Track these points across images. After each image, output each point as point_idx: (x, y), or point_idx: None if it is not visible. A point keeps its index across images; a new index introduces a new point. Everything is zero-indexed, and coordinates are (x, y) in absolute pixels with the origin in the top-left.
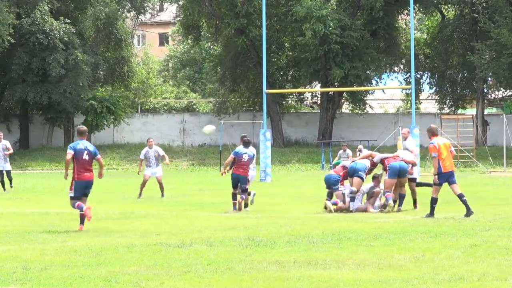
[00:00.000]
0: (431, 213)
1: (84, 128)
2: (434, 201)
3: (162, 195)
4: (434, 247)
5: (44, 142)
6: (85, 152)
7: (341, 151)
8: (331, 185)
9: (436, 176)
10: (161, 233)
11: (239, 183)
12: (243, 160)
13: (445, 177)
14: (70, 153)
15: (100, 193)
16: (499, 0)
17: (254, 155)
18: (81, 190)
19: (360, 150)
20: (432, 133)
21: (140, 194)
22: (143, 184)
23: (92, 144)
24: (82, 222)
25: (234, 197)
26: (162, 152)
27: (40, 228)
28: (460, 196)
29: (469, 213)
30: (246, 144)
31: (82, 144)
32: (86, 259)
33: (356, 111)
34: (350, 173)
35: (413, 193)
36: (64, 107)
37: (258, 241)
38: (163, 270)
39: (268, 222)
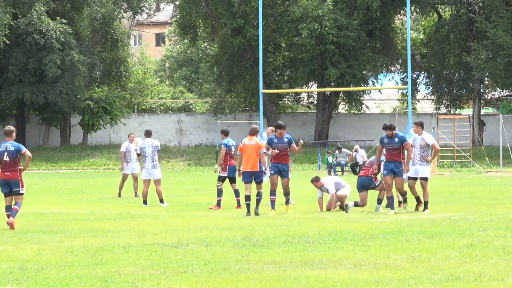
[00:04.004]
0: (248, 212)
1: (9, 128)
2: (247, 198)
3: (135, 194)
4: (430, 247)
5: (40, 142)
6: (5, 153)
7: (336, 152)
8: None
9: (241, 174)
10: (157, 233)
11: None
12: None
13: (246, 176)
14: None
15: (96, 193)
16: (496, 0)
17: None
18: (4, 188)
19: (356, 150)
20: (249, 132)
21: (120, 193)
22: (129, 183)
23: (16, 144)
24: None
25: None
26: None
27: (37, 228)
28: (258, 194)
29: (247, 214)
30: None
31: (3, 146)
32: (82, 259)
33: (353, 111)
34: None
35: (425, 195)
36: (61, 107)
37: (254, 241)
38: (159, 270)
39: (264, 222)
